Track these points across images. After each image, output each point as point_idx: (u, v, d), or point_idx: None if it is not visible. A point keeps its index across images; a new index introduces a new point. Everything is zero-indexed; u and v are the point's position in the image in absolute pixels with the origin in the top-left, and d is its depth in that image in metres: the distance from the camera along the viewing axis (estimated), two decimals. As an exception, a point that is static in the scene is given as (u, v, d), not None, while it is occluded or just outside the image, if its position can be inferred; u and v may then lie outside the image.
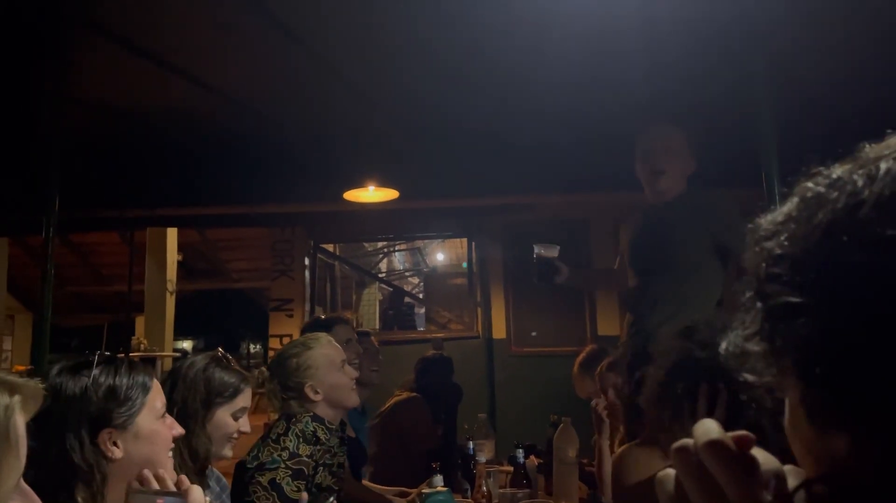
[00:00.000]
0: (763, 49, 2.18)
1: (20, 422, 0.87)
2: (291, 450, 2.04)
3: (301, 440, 2.08)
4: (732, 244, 2.45)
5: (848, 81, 2.97)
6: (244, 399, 1.86)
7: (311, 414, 2.17)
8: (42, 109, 3.09)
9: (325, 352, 2.24)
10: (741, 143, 2.38)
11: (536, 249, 2.80)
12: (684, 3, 2.36)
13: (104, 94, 3.26)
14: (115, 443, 1.33)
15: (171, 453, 1.44)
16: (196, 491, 1.20)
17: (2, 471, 0.84)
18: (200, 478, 1.72)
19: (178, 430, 1.47)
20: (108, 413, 1.33)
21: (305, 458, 2.05)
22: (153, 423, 1.40)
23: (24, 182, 3.83)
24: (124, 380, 1.37)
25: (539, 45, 2.76)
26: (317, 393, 2.19)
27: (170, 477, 1.35)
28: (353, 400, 2.29)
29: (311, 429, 2.13)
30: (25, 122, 3.44)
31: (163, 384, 1.82)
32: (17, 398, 0.86)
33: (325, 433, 2.16)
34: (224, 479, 1.98)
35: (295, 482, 2.00)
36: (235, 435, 1.83)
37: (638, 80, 2.87)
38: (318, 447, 2.12)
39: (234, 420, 1.83)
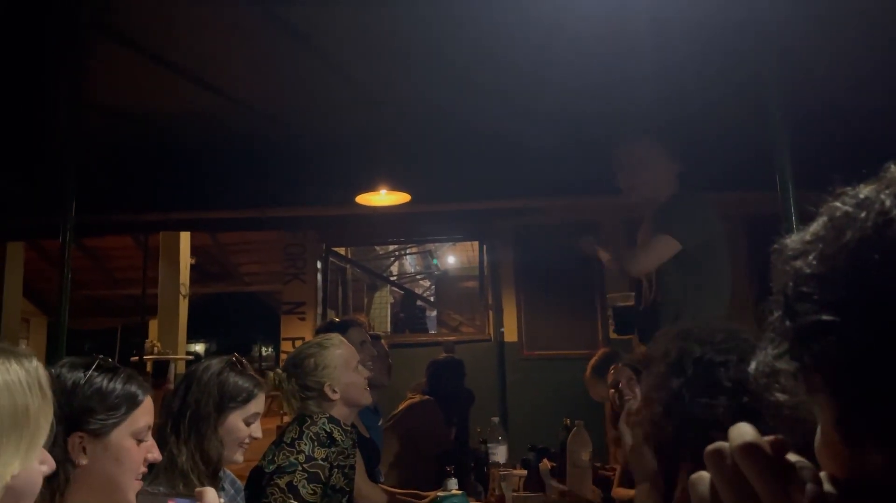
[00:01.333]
0: (774, 50, 2.18)
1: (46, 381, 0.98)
2: (307, 453, 2.06)
3: (316, 443, 2.10)
4: (663, 224, 2.53)
5: (860, 81, 2.95)
6: (257, 405, 1.86)
7: (328, 415, 2.19)
8: (58, 114, 3.12)
9: (340, 352, 2.28)
10: (753, 146, 2.37)
11: (612, 301, 2.78)
12: (693, 5, 2.36)
13: (119, 100, 3.29)
14: (83, 449, 1.31)
15: (140, 477, 1.39)
16: (210, 493, 1.20)
17: (43, 420, 0.95)
18: (213, 480, 1.73)
19: (155, 456, 1.42)
20: (87, 416, 1.31)
21: (321, 461, 2.07)
22: (127, 440, 1.35)
23: (40, 186, 3.87)
24: (116, 387, 1.36)
25: (549, 49, 2.77)
26: (335, 392, 2.21)
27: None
28: (366, 398, 2.33)
29: (328, 429, 2.15)
30: (41, 127, 3.48)
31: (177, 387, 1.83)
32: (34, 359, 0.97)
33: (341, 434, 2.19)
34: (238, 482, 2.00)
35: (311, 485, 2.02)
36: (247, 440, 1.84)
37: (648, 82, 2.87)
38: (333, 449, 2.13)
39: (247, 425, 1.84)
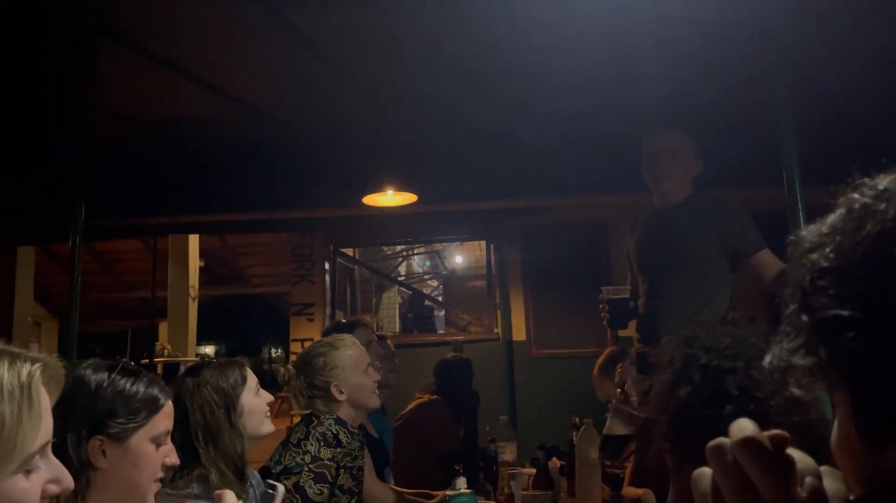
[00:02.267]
0: (779, 45, 2.16)
1: (42, 390, 0.88)
2: (313, 453, 2.07)
3: (322, 443, 2.10)
4: (742, 246, 2.49)
5: (867, 77, 2.93)
6: (252, 377, 1.90)
7: (335, 416, 2.20)
8: (66, 120, 3.14)
9: (351, 353, 2.28)
10: (759, 141, 2.36)
11: (605, 293, 2.69)
12: (699, 1, 2.35)
13: (126, 104, 3.31)
14: (103, 453, 1.31)
15: (158, 480, 1.39)
16: (229, 495, 1.18)
17: (21, 432, 0.85)
18: (241, 482, 1.73)
19: (172, 460, 1.42)
20: (108, 419, 1.32)
21: (327, 461, 2.08)
22: (146, 445, 1.36)
23: (50, 191, 3.90)
24: (139, 391, 1.36)
25: (554, 46, 2.76)
26: (341, 393, 2.22)
27: None
28: (374, 401, 2.32)
29: (334, 431, 2.15)
30: (50, 133, 3.51)
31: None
32: (38, 366, 0.88)
33: (347, 436, 2.19)
34: (258, 475, 2.00)
35: (317, 485, 2.03)
36: (268, 410, 1.89)
37: (653, 79, 2.86)
38: (340, 450, 2.14)
39: (259, 395, 1.89)
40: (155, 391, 1.39)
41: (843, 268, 0.47)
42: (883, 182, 0.49)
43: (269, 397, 1.93)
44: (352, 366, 2.25)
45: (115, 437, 1.32)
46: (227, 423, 1.78)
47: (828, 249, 0.48)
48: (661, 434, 1.09)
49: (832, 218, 0.50)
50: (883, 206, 0.47)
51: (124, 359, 1.41)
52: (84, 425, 1.29)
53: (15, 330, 6.70)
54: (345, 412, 2.23)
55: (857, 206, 0.48)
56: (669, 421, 1.06)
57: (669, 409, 1.06)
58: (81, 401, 1.29)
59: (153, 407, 1.37)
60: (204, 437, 1.75)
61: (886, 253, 0.45)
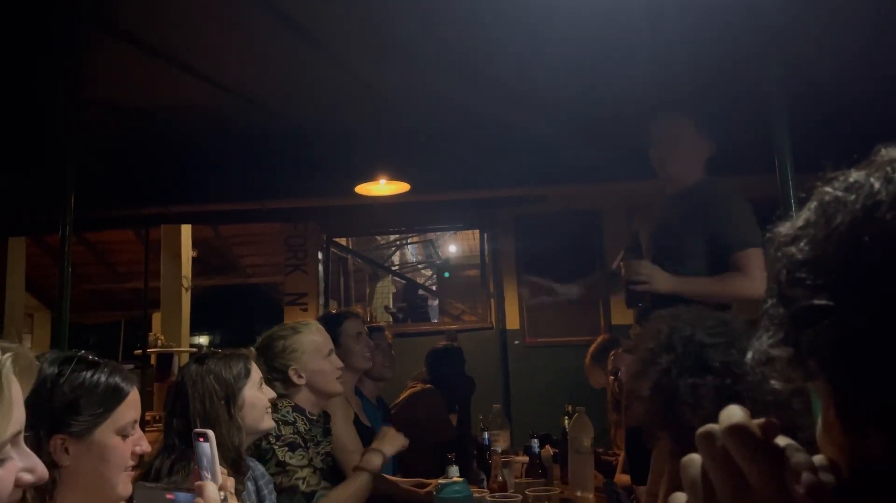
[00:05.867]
0: (771, 27, 2.16)
1: (13, 379, 0.86)
2: (273, 433, 2.07)
3: (280, 423, 2.11)
4: (728, 241, 2.36)
5: (859, 63, 2.93)
6: (256, 370, 1.88)
7: (293, 404, 2.21)
8: (56, 109, 3.12)
9: (313, 338, 2.28)
10: (751, 127, 2.36)
11: (622, 260, 2.54)
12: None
13: (117, 94, 3.29)
14: (66, 450, 1.25)
15: (129, 470, 1.34)
16: (210, 487, 1.16)
17: None
18: (238, 475, 1.71)
19: (143, 448, 1.36)
20: (68, 417, 1.25)
21: (290, 435, 2.09)
22: (111, 438, 1.30)
23: (40, 182, 3.87)
24: (98, 384, 1.29)
25: (546, 34, 2.75)
26: (300, 377, 2.22)
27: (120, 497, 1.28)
28: (335, 387, 2.31)
29: (291, 419, 2.16)
30: (40, 123, 3.48)
31: (171, 405, 1.80)
32: (8, 355, 0.86)
33: (306, 424, 2.20)
34: (268, 476, 1.98)
35: (296, 453, 2.05)
36: (269, 406, 1.88)
37: (647, 65, 2.85)
38: (298, 435, 2.15)
39: (262, 390, 1.87)
40: (117, 380, 1.32)
41: (817, 259, 0.48)
42: (853, 175, 0.50)
43: (271, 393, 1.93)
44: (312, 351, 2.25)
45: (77, 435, 1.26)
46: (226, 415, 1.77)
47: (802, 243, 0.49)
48: (640, 398, 1.11)
49: (805, 212, 0.51)
50: (853, 197, 0.48)
51: (81, 351, 1.35)
52: (42, 424, 1.22)
53: (7, 321, 6.66)
54: (304, 398, 2.23)
55: (827, 198, 0.49)
56: (649, 387, 1.09)
57: (650, 376, 1.09)
58: (37, 399, 1.19)
59: (116, 398, 1.31)
60: (202, 427, 1.75)
61: (857, 242, 0.45)
